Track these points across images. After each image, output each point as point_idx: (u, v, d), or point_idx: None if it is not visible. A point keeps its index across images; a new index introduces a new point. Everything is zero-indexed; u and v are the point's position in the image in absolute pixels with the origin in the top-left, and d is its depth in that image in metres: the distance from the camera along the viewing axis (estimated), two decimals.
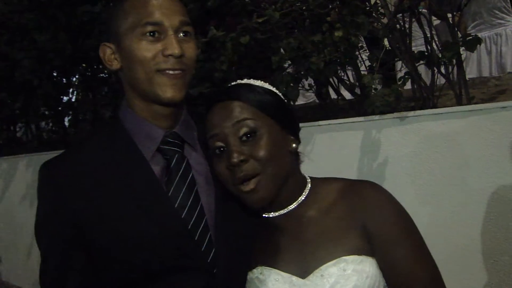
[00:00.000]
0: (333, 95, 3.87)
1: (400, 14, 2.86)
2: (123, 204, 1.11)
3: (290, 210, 1.19)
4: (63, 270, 1.13)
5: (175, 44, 1.12)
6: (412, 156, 2.35)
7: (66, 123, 6.10)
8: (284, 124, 1.19)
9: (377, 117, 2.47)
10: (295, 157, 1.23)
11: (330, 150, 2.63)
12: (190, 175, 1.19)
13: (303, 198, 1.20)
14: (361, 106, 2.84)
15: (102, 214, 1.11)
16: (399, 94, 2.52)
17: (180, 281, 1.12)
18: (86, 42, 4.80)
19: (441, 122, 2.26)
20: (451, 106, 2.49)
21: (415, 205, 2.27)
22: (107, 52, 1.19)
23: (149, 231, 1.11)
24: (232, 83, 1.22)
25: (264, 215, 1.22)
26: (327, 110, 3.71)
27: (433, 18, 2.99)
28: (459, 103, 2.64)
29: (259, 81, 1.23)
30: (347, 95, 3.71)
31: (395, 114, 2.41)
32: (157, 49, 1.12)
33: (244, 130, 1.12)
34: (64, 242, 1.13)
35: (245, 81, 1.22)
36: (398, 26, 2.75)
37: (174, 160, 1.18)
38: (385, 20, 2.75)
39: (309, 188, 1.22)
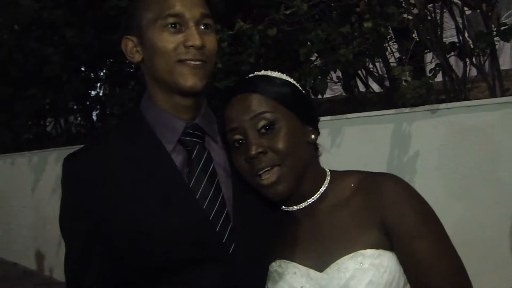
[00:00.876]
0: (361, 87, 3.82)
1: (431, 4, 2.79)
2: (145, 196, 1.12)
3: (309, 203, 1.18)
4: (84, 260, 1.15)
5: (196, 36, 1.13)
6: (443, 149, 2.30)
7: (94, 117, 6.20)
8: (303, 115, 1.18)
9: (407, 109, 2.43)
10: (314, 149, 1.22)
11: (359, 144, 2.60)
12: (211, 167, 1.19)
13: (322, 191, 1.19)
14: (389, 99, 2.79)
15: (123, 205, 1.11)
16: (430, 86, 2.47)
17: (201, 271, 1.12)
18: (113, 37, 4.85)
19: (474, 114, 2.21)
20: (484, 99, 2.43)
21: (446, 200, 2.23)
22: (129, 45, 1.20)
23: (170, 222, 1.11)
24: (249, 76, 1.22)
25: (283, 208, 1.22)
26: (355, 103, 3.66)
27: (465, 8, 2.91)
28: (493, 95, 2.57)
29: (276, 72, 1.22)
30: (375, 87, 3.65)
31: (426, 107, 2.37)
32: (179, 40, 1.13)
33: (262, 123, 1.12)
34: (85, 233, 1.14)
35: (262, 72, 1.22)
36: (429, 16, 2.69)
37: (196, 151, 1.18)
38: (415, 11, 2.69)
39: (328, 181, 1.20)
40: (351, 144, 2.58)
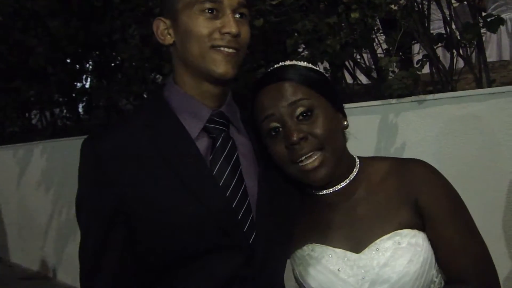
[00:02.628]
0: (348, 79, 3.81)
1: None
2: (167, 182, 1.11)
3: (341, 187, 1.21)
4: (102, 247, 1.13)
5: (233, 23, 1.12)
6: (430, 140, 2.31)
7: (80, 110, 6.13)
8: (334, 101, 1.21)
9: (394, 100, 2.43)
10: (344, 135, 1.25)
11: (350, 135, 2.59)
12: (235, 155, 1.19)
13: (353, 176, 1.22)
14: (377, 90, 2.78)
15: (145, 191, 1.10)
16: (417, 77, 2.46)
17: (220, 259, 1.13)
18: (99, 28, 4.79)
19: (461, 105, 2.21)
20: (471, 90, 2.43)
21: None
22: (161, 27, 1.19)
23: (192, 209, 1.11)
24: (276, 66, 1.24)
25: (314, 192, 1.23)
26: (342, 94, 3.65)
27: None
28: (479, 86, 2.57)
29: (301, 62, 1.24)
30: (362, 79, 3.65)
31: (413, 98, 2.37)
32: (214, 26, 1.13)
33: (300, 109, 1.14)
34: (104, 219, 1.13)
35: (288, 62, 1.24)
36: (416, 7, 2.68)
37: (220, 139, 1.18)
38: (402, 2, 2.68)
39: (358, 166, 1.23)
40: (347, 134, 2.57)
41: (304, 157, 1.13)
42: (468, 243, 1.13)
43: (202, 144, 1.17)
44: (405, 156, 2.39)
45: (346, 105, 2.60)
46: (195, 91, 1.19)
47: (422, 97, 2.34)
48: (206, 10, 1.13)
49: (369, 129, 2.50)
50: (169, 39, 1.19)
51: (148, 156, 1.12)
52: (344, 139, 1.24)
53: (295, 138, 1.11)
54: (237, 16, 1.15)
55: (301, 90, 1.16)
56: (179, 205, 1.11)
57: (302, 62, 1.24)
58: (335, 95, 1.23)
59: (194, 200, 1.11)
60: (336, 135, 1.18)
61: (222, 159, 1.17)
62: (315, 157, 1.13)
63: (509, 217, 2.09)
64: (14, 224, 6.05)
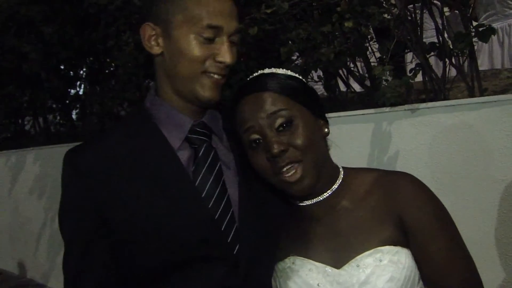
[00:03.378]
0: (342, 87, 3.82)
1: (411, 5, 2.80)
2: (149, 193, 1.11)
3: (324, 198, 1.18)
4: (86, 258, 1.13)
5: (228, 53, 1.12)
6: (423, 149, 2.32)
7: (74, 116, 6.11)
8: (314, 109, 1.18)
9: (387, 109, 2.44)
10: (326, 143, 1.23)
11: (340, 143, 2.59)
12: (218, 165, 1.18)
13: (336, 187, 1.19)
14: (370, 99, 2.80)
15: (126, 202, 1.10)
16: (410, 86, 2.48)
17: (205, 270, 1.12)
18: (93, 34, 4.78)
19: (454, 114, 2.23)
20: (463, 98, 2.45)
21: None
22: (149, 33, 1.16)
23: (174, 221, 1.10)
24: (256, 74, 1.21)
25: (296, 203, 1.21)
26: (336, 102, 3.66)
27: (445, 9, 2.94)
28: (471, 95, 2.59)
29: (281, 68, 1.22)
30: (356, 87, 3.66)
31: (406, 106, 2.38)
32: (210, 51, 1.12)
33: (280, 120, 1.12)
34: (87, 230, 1.12)
35: (267, 70, 1.21)
36: (409, 17, 2.70)
37: (202, 150, 1.17)
38: (396, 11, 2.70)
39: (342, 176, 1.21)
40: (331, 143, 2.58)
41: (285, 168, 1.11)
42: (454, 260, 1.11)
43: (184, 154, 1.16)
44: (398, 163, 2.40)
45: (340, 113, 2.64)
46: (176, 104, 1.18)
47: (415, 105, 2.35)
48: (205, 37, 1.11)
49: (362, 137, 2.51)
50: (156, 49, 1.16)
51: (129, 167, 1.12)
52: (326, 147, 1.21)
53: (275, 150, 1.09)
54: (231, 40, 1.14)
55: (279, 100, 1.13)
56: (160, 216, 1.10)
57: (281, 69, 1.21)
58: (315, 102, 1.20)
59: (175, 211, 1.10)
60: (317, 143, 1.15)
61: (204, 169, 1.16)
62: (297, 168, 1.11)
63: (502, 225, 2.10)
64: (6, 231, 6.00)
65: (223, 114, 1.26)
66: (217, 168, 1.18)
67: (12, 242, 5.89)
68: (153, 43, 1.16)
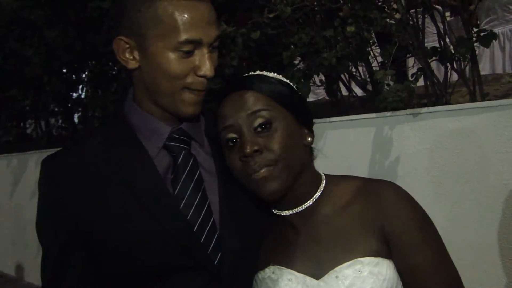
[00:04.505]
0: (343, 91, 3.83)
1: (413, 10, 2.82)
2: (124, 202, 1.07)
3: (304, 208, 1.15)
4: (62, 266, 1.10)
5: (210, 66, 1.06)
6: (425, 153, 2.32)
7: (76, 120, 6.12)
8: (299, 116, 1.14)
9: (389, 113, 2.44)
10: (310, 152, 1.18)
11: (342, 147, 2.60)
12: (198, 173, 1.14)
13: (317, 196, 1.15)
14: (372, 103, 2.80)
15: (102, 211, 1.07)
16: (412, 90, 2.49)
17: (185, 280, 1.09)
18: (95, 38, 4.80)
19: (455, 118, 2.23)
20: (465, 103, 2.45)
21: (427, 204, 2.23)
22: (123, 47, 1.09)
23: (151, 231, 1.06)
24: (244, 75, 1.18)
25: (277, 212, 1.18)
26: (338, 107, 3.67)
27: (446, 14, 2.95)
28: (473, 99, 2.60)
29: (272, 72, 1.18)
30: (358, 91, 3.67)
31: (408, 111, 2.38)
32: (189, 66, 1.05)
33: (259, 121, 1.07)
34: (62, 239, 1.10)
35: (257, 72, 1.18)
36: (411, 21, 2.72)
37: (181, 157, 1.13)
38: (397, 16, 2.71)
39: (324, 185, 1.17)
40: (334, 147, 2.59)
41: (256, 171, 1.06)
42: (438, 271, 1.07)
43: (163, 162, 1.12)
44: (399, 168, 2.40)
45: (342, 118, 2.65)
46: (155, 112, 1.13)
47: (416, 110, 2.35)
48: (183, 51, 1.04)
49: (364, 142, 2.52)
50: (132, 64, 1.09)
51: (104, 175, 1.08)
52: (308, 156, 1.17)
53: (248, 150, 1.05)
54: (210, 48, 1.08)
55: (262, 100, 1.09)
56: (136, 226, 1.06)
57: (271, 73, 1.18)
58: (301, 109, 1.15)
59: (151, 221, 1.06)
60: (295, 151, 1.10)
61: (184, 177, 1.12)
62: (267, 170, 1.06)
63: (503, 230, 2.10)
64: (7, 235, 6.00)
65: (206, 117, 1.22)
66: (196, 175, 1.14)
67: (13, 245, 5.89)
68: (128, 56, 1.09)
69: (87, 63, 5.58)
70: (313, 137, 1.17)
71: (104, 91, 5.38)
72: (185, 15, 1.03)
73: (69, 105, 5.91)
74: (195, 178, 1.13)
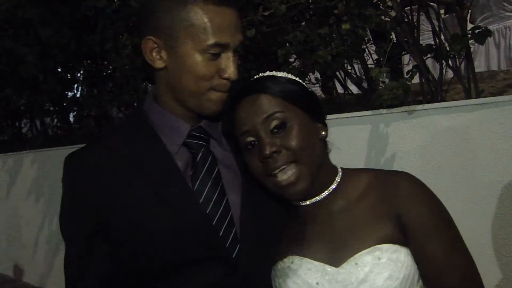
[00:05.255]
0: (339, 89, 3.83)
1: (408, 7, 2.82)
2: (145, 198, 1.11)
3: (322, 198, 1.19)
4: (85, 260, 1.14)
5: (234, 70, 1.12)
6: (420, 150, 2.32)
7: (71, 119, 6.10)
8: (312, 112, 1.19)
9: (384, 111, 2.44)
10: (324, 145, 1.23)
11: (337, 145, 2.60)
12: (216, 170, 1.18)
13: (334, 187, 1.20)
14: (367, 101, 2.81)
15: (124, 207, 1.11)
16: (407, 88, 2.49)
17: (202, 272, 1.12)
18: (90, 37, 4.78)
19: (450, 116, 2.23)
20: (460, 100, 2.45)
21: None
22: (151, 47, 1.13)
23: (171, 226, 1.10)
24: (256, 77, 1.22)
25: (295, 203, 1.22)
26: (333, 104, 3.67)
27: (441, 11, 2.95)
28: (468, 97, 2.60)
29: (281, 72, 1.23)
30: (353, 89, 3.67)
31: (403, 108, 2.38)
32: (215, 68, 1.11)
33: (274, 123, 1.12)
34: (86, 232, 1.14)
35: (267, 73, 1.22)
36: (406, 19, 2.72)
37: (200, 154, 1.17)
38: (392, 13, 2.72)
39: (340, 177, 1.21)
40: (329, 145, 2.59)
41: (278, 170, 1.12)
42: (454, 260, 1.11)
43: (182, 159, 1.16)
44: (395, 165, 2.40)
45: (337, 115, 2.64)
46: (175, 110, 1.18)
47: (412, 107, 2.36)
48: (211, 53, 1.09)
49: (359, 139, 2.52)
50: (159, 64, 1.13)
51: (126, 172, 1.12)
52: (324, 149, 1.22)
53: (267, 152, 1.10)
54: (235, 53, 1.14)
55: (275, 102, 1.14)
56: (157, 221, 1.10)
57: (281, 73, 1.22)
58: (313, 105, 1.21)
59: (172, 216, 1.11)
60: (313, 146, 1.15)
61: (203, 174, 1.16)
62: (290, 172, 1.11)
63: (498, 226, 2.11)
64: (3, 234, 5.98)
65: (222, 118, 1.26)
66: (215, 172, 1.18)
67: (9, 245, 5.88)
68: (156, 56, 1.13)
69: (82, 62, 5.56)
70: (327, 130, 1.22)
71: (100, 91, 5.37)
72: (215, 20, 1.09)
73: (65, 104, 5.89)
74: (214, 174, 1.17)
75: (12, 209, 5.73)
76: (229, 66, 1.11)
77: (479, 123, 2.15)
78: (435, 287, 1.11)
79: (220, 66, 1.11)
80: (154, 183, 1.12)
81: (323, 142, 1.22)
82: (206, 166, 1.17)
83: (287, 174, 1.11)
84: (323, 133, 1.20)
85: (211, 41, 1.08)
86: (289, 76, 1.22)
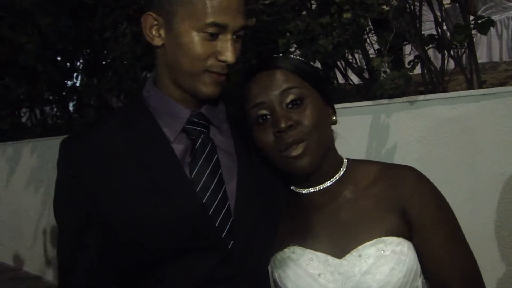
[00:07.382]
0: (340, 79, 3.81)
1: None
2: (141, 184, 1.10)
3: (326, 187, 1.17)
4: (79, 246, 1.13)
5: (231, 52, 1.09)
6: (421, 141, 2.31)
7: (71, 108, 6.08)
8: (325, 95, 1.18)
9: (386, 101, 2.43)
10: (332, 132, 1.21)
11: (338, 135, 2.59)
12: (215, 158, 1.16)
13: (339, 176, 1.18)
14: (368, 91, 2.79)
15: (118, 192, 1.10)
16: (409, 78, 2.47)
17: (196, 260, 1.11)
18: (89, 25, 4.75)
19: (452, 106, 2.22)
20: (462, 91, 2.44)
21: None
22: (150, 23, 1.12)
23: (167, 212, 1.09)
24: (269, 56, 1.22)
25: (298, 191, 1.20)
26: (334, 94, 3.65)
27: (443, 0, 2.92)
28: (470, 87, 2.58)
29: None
30: (354, 79, 3.65)
31: (405, 98, 2.37)
32: (212, 49, 1.08)
33: (291, 97, 1.11)
34: (79, 218, 1.12)
35: (280, 55, 1.21)
36: (408, 8, 2.69)
37: (200, 141, 1.15)
38: (394, 2, 2.69)
39: (345, 166, 1.20)
40: (337, 135, 2.58)
41: (289, 145, 1.10)
42: (455, 254, 1.11)
43: (181, 146, 1.15)
44: (396, 155, 2.39)
45: (338, 105, 2.61)
46: (174, 95, 1.16)
47: (413, 97, 2.35)
48: (208, 32, 1.07)
49: (360, 129, 2.51)
50: (157, 41, 1.12)
51: (122, 157, 1.11)
52: (331, 135, 1.20)
53: (283, 125, 1.08)
54: (235, 36, 1.11)
55: (293, 78, 1.12)
56: (151, 208, 1.09)
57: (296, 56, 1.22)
58: (326, 89, 1.21)
59: (167, 203, 1.09)
60: (324, 128, 1.14)
61: (201, 161, 1.14)
62: (300, 144, 1.10)
63: (501, 218, 2.11)
64: (3, 224, 6.00)
65: (226, 99, 1.24)
66: (214, 160, 1.16)
67: (8, 234, 5.89)
68: (154, 33, 1.12)
69: (81, 51, 5.53)
70: (336, 116, 1.21)
71: (99, 79, 5.35)
72: None
73: (64, 93, 5.88)
74: (213, 162, 1.15)
75: (12, 198, 5.73)
76: (226, 48, 1.08)
77: (480, 114, 2.14)
78: (434, 280, 1.11)
79: (217, 48, 1.09)
80: (150, 169, 1.10)
81: (331, 129, 1.21)
82: (205, 153, 1.15)
83: (297, 151, 1.10)
84: (334, 118, 1.19)
85: (208, 20, 1.06)
86: (303, 59, 1.21)
